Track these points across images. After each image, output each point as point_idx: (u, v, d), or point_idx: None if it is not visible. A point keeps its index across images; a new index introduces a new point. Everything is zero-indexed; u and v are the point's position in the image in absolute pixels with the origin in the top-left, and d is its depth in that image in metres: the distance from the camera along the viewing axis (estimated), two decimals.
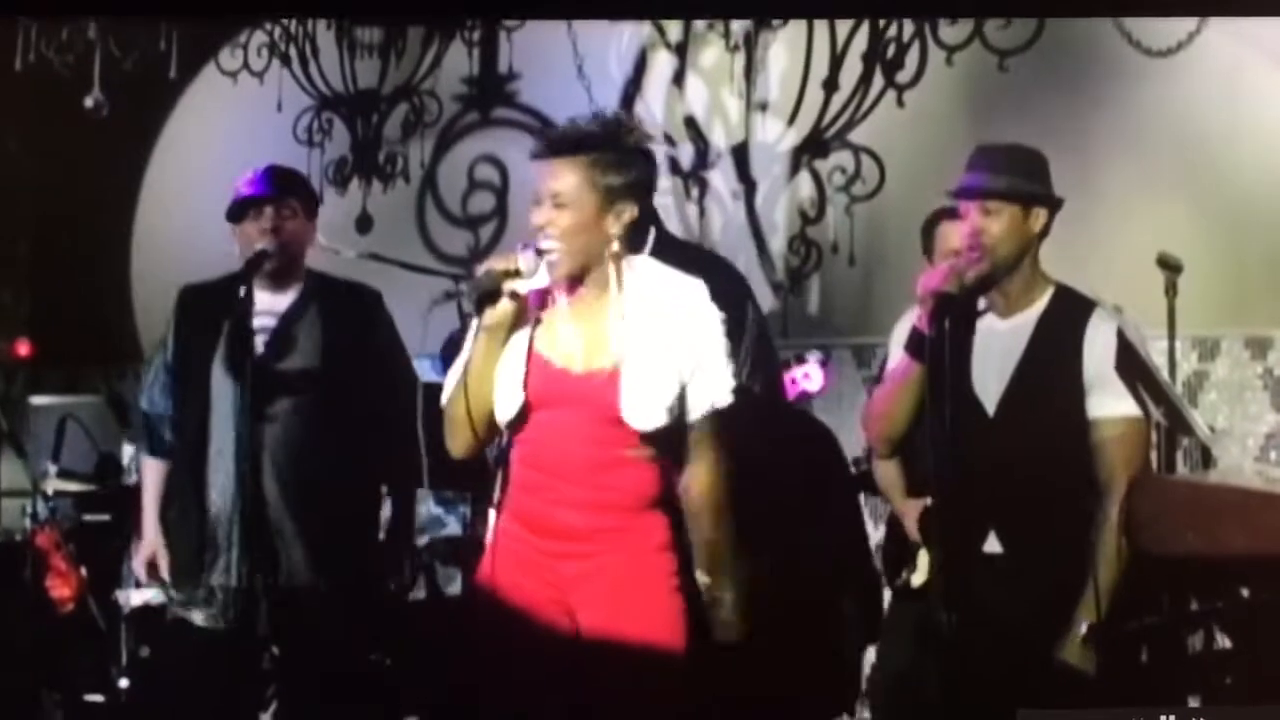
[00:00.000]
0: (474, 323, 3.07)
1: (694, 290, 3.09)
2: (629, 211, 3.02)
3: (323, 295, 3.91)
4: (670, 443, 3.06)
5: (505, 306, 3.02)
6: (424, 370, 4.26)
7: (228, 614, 3.75)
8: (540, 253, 3.02)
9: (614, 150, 3.03)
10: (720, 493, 3.06)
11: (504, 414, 3.07)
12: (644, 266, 3.10)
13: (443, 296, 3.09)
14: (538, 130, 3.19)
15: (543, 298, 3.10)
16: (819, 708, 4.47)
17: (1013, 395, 3.36)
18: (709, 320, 3.07)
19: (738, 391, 3.11)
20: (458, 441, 3.10)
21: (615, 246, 3.03)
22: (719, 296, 3.53)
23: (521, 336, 3.09)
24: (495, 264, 3.03)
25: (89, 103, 6.05)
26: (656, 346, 3.01)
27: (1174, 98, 5.25)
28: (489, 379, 3.05)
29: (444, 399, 3.12)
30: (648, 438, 3.02)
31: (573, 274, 3.04)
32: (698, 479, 3.06)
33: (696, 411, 3.05)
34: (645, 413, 3.00)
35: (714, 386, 3.06)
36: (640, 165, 3.06)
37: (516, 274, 3.00)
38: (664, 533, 3.05)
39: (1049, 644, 3.27)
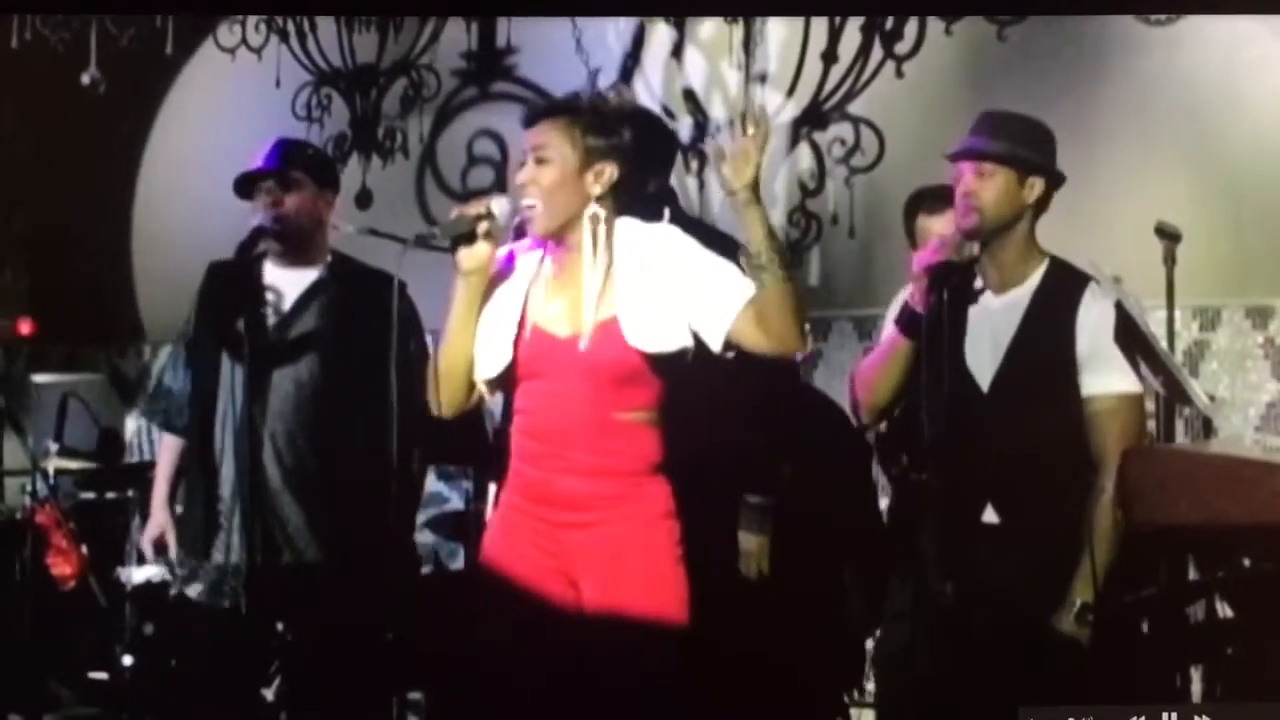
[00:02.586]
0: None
1: (668, 231, 3.10)
2: (609, 171, 3.05)
3: (343, 281, 3.88)
4: (671, 400, 3.04)
5: (481, 249, 3.04)
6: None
7: (226, 590, 3.75)
8: (528, 206, 3.04)
9: (596, 114, 3.07)
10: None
11: (485, 370, 3.08)
12: (624, 226, 3.11)
13: (414, 241, 3.08)
14: (526, 104, 3.20)
15: (510, 261, 3.13)
16: (824, 682, 4.49)
17: (1006, 373, 3.36)
18: (691, 247, 3.06)
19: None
20: (441, 395, 3.12)
21: (594, 207, 3.05)
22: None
23: (516, 296, 3.10)
24: (467, 208, 3.06)
25: (85, 80, 6.04)
26: (652, 285, 3.02)
27: (1173, 66, 5.23)
28: (470, 327, 3.08)
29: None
30: (654, 369, 3.01)
31: (551, 231, 3.06)
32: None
33: (730, 313, 2.99)
34: (650, 335, 2.99)
35: (733, 285, 3.00)
36: (623, 131, 3.08)
37: (488, 216, 3.03)
38: (666, 500, 3.05)
39: (1046, 612, 3.27)
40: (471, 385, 3.12)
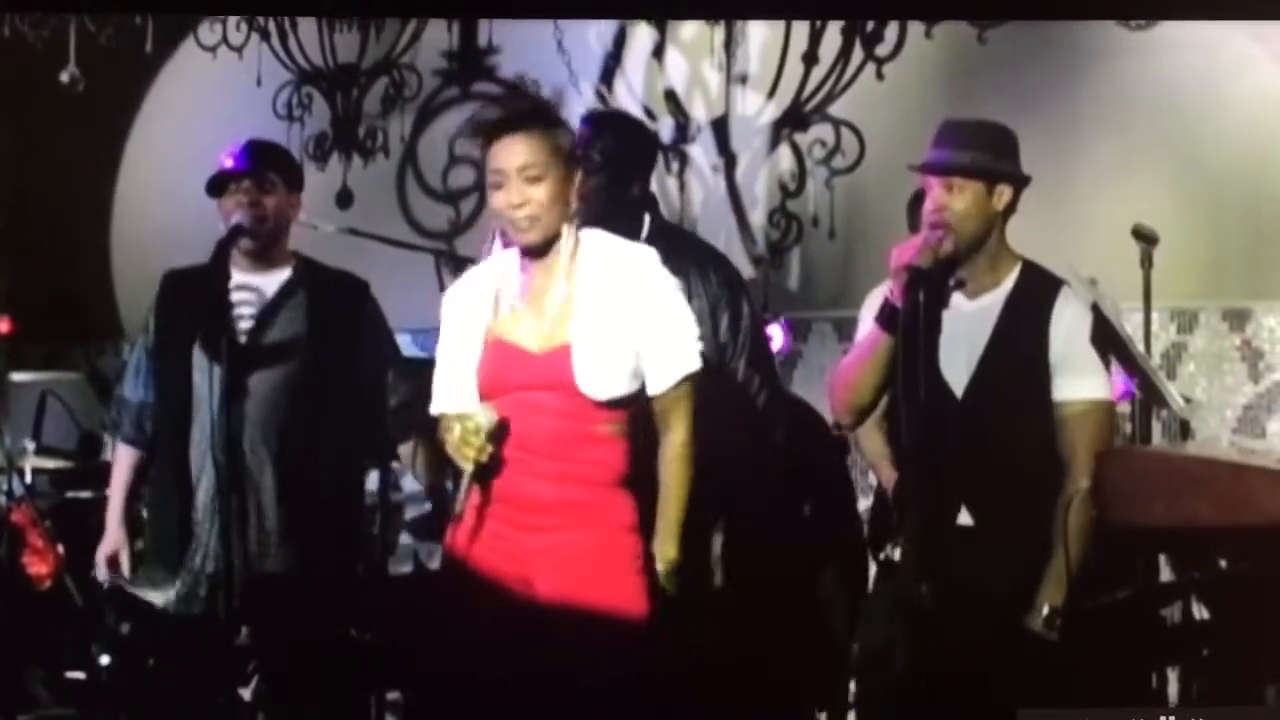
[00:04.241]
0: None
1: (645, 258, 3.08)
2: (579, 178, 3.05)
3: (312, 282, 3.85)
4: (641, 414, 3.05)
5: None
6: (404, 345, 4.25)
7: (203, 599, 3.73)
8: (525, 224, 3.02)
9: (557, 119, 3.06)
10: (689, 464, 3.05)
11: (450, 403, 3.08)
12: (593, 238, 3.09)
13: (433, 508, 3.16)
14: (476, 115, 3.12)
15: (496, 280, 3.11)
16: (805, 693, 4.50)
17: (981, 379, 3.36)
18: (663, 287, 3.05)
19: (706, 356, 3.10)
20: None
21: (573, 216, 3.05)
22: (715, 289, 3.54)
23: (477, 321, 3.09)
24: (465, 450, 2.99)
25: (64, 78, 6.02)
26: (610, 317, 3.01)
27: (1152, 69, 5.25)
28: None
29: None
30: (617, 409, 3.02)
31: (545, 247, 3.04)
32: (670, 448, 3.05)
33: (665, 381, 3.03)
34: (601, 382, 2.99)
35: (680, 354, 3.03)
36: (572, 132, 3.10)
37: (487, 438, 2.99)
38: (631, 513, 3.05)
39: (1020, 613, 3.28)
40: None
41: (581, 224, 3.10)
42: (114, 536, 3.88)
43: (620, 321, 3.01)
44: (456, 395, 3.09)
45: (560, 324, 3.03)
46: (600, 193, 3.28)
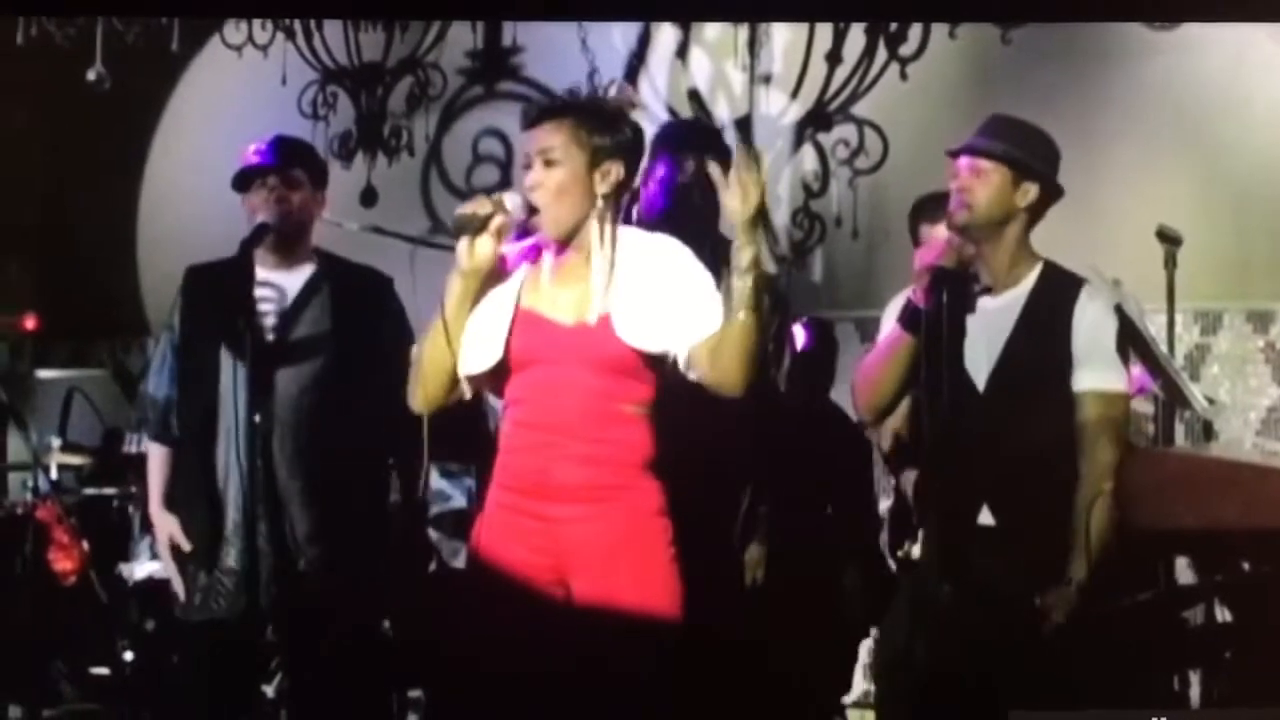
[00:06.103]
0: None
1: (675, 244, 3.11)
2: (615, 171, 3.06)
3: (335, 278, 3.86)
4: (665, 398, 3.06)
5: (485, 245, 3.01)
6: None
7: (233, 598, 3.73)
8: (533, 210, 3.04)
9: (597, 113, 3.09)
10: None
11: (474, 365, 3.06)
12: (624, 233, 3.12)
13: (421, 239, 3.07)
14: (524, 104, 3.20)
15: (534, 254, 3.13)
16: (818, 686, 4.51)
17: (1002, 372, 3.37)
18: (693, 266, 3.07)
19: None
20: (422, 392, 3.08)
21: (601, 206, 3.06)
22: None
23: (508, 291, 3.10)
24: (478, 207, 3.02)
25: (91, 76, 6.06)
26: (643, 285, 3.03)
27: (1177, 70, 5.25)
28: (460, 325, 3.04)
29: (414, 348, 3.14)
30: (644, 382, 3.02)
31: (563, 234, 3.06)
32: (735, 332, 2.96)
33: (695, 336, 3.01)
34: (643, 331, 3.00)
35: (708, 314, 3.01)
36: (625, 129, 3.10)
37: (502, 210, 3.02)
38: (659, 498, 3.05)
39: (1044, 599, 3.28)
40: (454, 383, 3.09)
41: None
42: (163, 523, 3.86)
43: (654, 287, 3.02)
44: (483, 359, 3.08)
45: (591, 298, 3.04)
46: (623, 187, 3.28)
